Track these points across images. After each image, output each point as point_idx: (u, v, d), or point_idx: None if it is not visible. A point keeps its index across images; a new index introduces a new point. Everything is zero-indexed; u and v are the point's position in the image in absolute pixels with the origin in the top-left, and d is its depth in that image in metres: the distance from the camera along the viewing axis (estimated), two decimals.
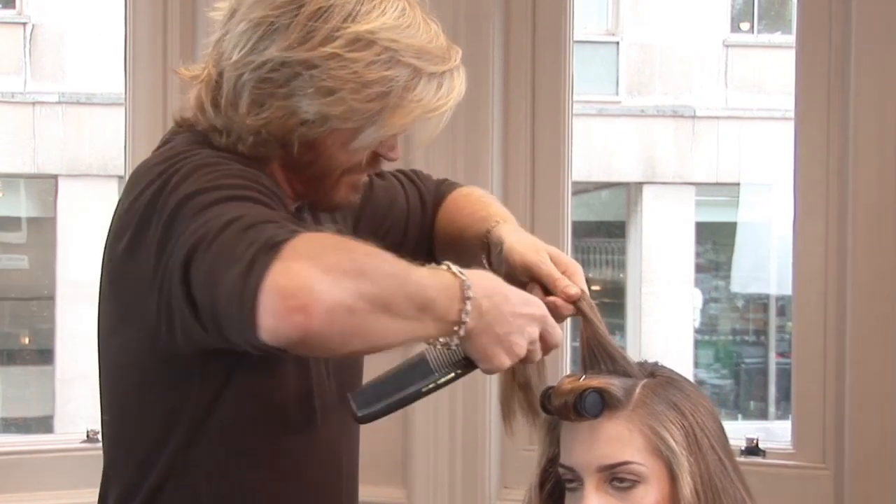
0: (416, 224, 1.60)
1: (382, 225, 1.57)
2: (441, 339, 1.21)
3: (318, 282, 1.09)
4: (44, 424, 7.77)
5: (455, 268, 1.21)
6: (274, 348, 1.12)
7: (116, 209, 1.35)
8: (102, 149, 7.89)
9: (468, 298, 1.19)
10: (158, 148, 1.39)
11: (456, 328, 1.20)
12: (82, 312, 7.71)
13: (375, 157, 1.39)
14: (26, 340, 8.36)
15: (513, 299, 1.26)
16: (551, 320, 1.31)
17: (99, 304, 1.39)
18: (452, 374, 1.30)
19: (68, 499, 2.27)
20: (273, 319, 1.08)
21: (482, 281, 1.23)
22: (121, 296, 1.32)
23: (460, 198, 1.60)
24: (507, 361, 1.27)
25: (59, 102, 8.22)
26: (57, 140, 8.16)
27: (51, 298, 7.98)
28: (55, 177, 8.19)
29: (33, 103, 8.23)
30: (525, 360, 1.30)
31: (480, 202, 1.58)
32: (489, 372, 1.29)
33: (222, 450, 1.32)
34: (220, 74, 1.33)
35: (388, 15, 1.30)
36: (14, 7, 8.46)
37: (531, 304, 1.29)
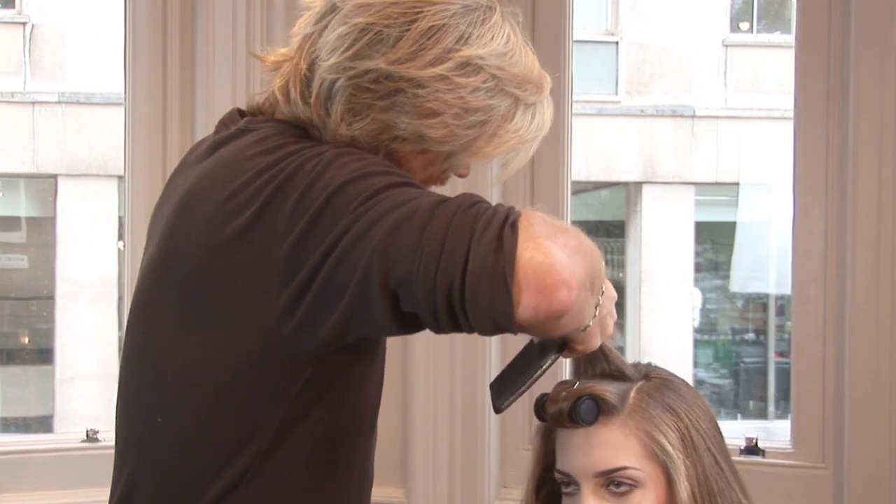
0: None
1: None
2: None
3: (566, 256, 1.11)
4: (43, 424, 7.79)
5: None
6: (517, 326, 1.11)
7: (201, 202, 1.27)
8: (102, 148, 7.90)
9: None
10: (232, 136, 1.32)
11: (597, 304, 1.21)
12: (82, 312, 7.73)
13: (447, 174, 1.37)
14: (26, 340, 8.37)
15: (608, 283, 1.26)
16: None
17: (154, 303, 1.31)
18: (555, 357, 1.33)
19: (68, 498, 2.27)
20: (537, 297, 1.09)
21: None
22: (215, 294, 1.24)
23: None
24: (598, 343, 1.29)
25: (58, 102, 8.23)
26: (56, 140, 8.17)
27: (50, 298, 7.99)
28: (55, 176, 8.20)
29: (33, 103, 8.24)
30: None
31: None
32: (581, 353, 1.30)
33: (302, 456, 1.28)
34: (311, 70, 1.28)
35: (496, 41, 1.27)
36: (14, 7, 8.46)
37: (610, 286, 1.29)
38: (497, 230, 1.10)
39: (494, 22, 1.28)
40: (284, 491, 1.28)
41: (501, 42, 1.28)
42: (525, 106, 1.31)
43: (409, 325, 1.17)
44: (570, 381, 1.37)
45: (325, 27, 1.29)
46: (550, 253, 1.10)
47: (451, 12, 1.25)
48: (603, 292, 1.22)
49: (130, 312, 1.37)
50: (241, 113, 1.40)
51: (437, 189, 1.34)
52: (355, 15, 1.26)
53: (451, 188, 1.38)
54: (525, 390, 1.35)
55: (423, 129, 1.26)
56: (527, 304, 1.09)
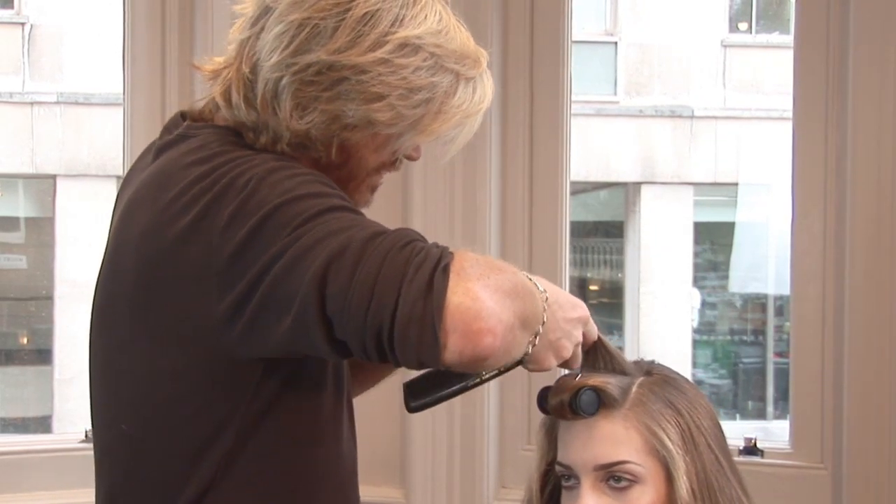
0: None
1: None
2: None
3: (494, 302, 1.14)
4: (42, 424, 7.77)
5: (534, 278, 1.25)
6: (444, 365, 1.15)
7: (139, 210, 1.30)
8: (101, 149, 7.88)
9: (544, 311, 1.25)
10: (171, 142, 1.34)
11: (532, 339, 1.24)
12: (81, 312, 7.71)
13: (397, 159, 1.39)
14: (25, 340, 8.36)
15: (565, 305, 1.30)
16: (591, 319, 1.36)
17: (106, 313, 1.35)
18: (496, 371, 1.33)
19: (66, 498, 2.27)
20: (462, 342, 1.13)
21: (544, 284, 1.26)
22: (155, 302, 1.27)
23: None
24: (554, 364, 1.31)
25: (57, 102, 8.21)
26: (55, 140, 8.16)
27: (49, 298, 7.97)
28: (53, 177, 8.18)
29: (32, 103, 8.22)
30: (569, 362, 1.34)
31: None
32: (533, 371, 1.32)
33: (269, 456, 1.30)
34: (254, 73, 1.30)
35: (430, 20, 1.30)
36: (12, 7, 8.45)
37: (578, 307, 1.32)
38: (428, 274, 1.13)
39: (425, 2, 1.31)
40: (256, 492, 1.29)
41: (435, 20, 1.30)
42: (466, 80, 1.33)
43: (345, 351, 1.19)
44: (573, 373, 1.38)
45: (262, 29, 1.30)
46: (479, 299, 1.13)
47: None
48: (544, 322, 1.24)
49: (90, 320, 1.39)
50: (183, 116, 1.40)
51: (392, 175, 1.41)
52: (290, 12, 1.28)
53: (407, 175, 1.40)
54: (450, 398, 1.37)
55: (370, 113, 1.28)
56: (452, 348, 1.13)
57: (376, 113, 1.28)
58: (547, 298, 1.24)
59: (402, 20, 1.28)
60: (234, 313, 1.21)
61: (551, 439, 1.42)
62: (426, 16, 1.30)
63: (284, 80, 1.28)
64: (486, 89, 1.37)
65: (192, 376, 1.27)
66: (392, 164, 1.39)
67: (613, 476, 1.34)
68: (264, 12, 1.31)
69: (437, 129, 1.33)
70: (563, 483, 1.39)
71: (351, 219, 1.20)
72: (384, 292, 1.13)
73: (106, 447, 1.37)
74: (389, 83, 1.27)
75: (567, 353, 1.31)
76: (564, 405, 1.35)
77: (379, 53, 1.26)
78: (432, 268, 1.13)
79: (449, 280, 1.13)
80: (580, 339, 1.33)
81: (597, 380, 1.35)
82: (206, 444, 1.27)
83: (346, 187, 1.34)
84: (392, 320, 1.13)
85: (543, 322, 1.24)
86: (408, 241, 1.17)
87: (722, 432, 1.40)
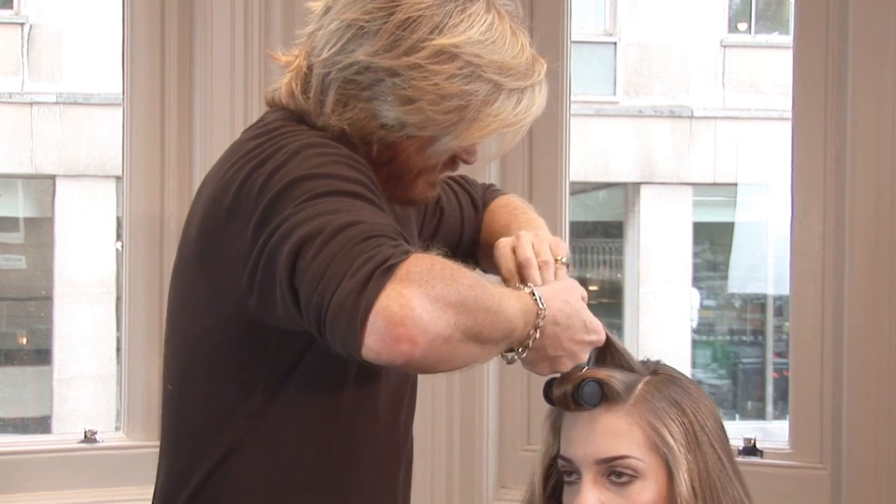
0: (470, 230, 1.66)
1: (439, 230, 1.63)
2: (506, 354, 1.29)
3: (425, 312, 1.14)
4: (42, 425, 7.77)
5: (538, 293, 1.28)
6: (366, 361, 1.18)
7: (208, 182, 1.38)
8: (100, 149, 7.88)
9: (538, 327, 1.27)
10: (250, 126, 1.42)
11: (520, 349, 1.28)
12: (80, 312, 7.72)
13: (454, 160, 1.43)
14: (24, 341, 8.35)
15: (576, 325, 1.32)
16: (605, 334, 1.38)
17: (175, 279, 1.43)
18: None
19: (66, 499, 2.27)
20: (380, 343, 1.14)
21: (557, 304, 1.29)
22: (209, 265, 1.35)
23: (498, 208, 1.66)
24: (548, 373, 1.35)
25: (56, 103, 8.21)
26: (55, 140, 8.15)
27: (48, 299, 7.97)
28: (53, 177, 8.18)
29: (31, 103, 8.22)
30: None
31: (513, 214, 1.62)
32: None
33: (294, 414, 1.36)
34: (310, 68, 1.37)
35: (474, 29, 1.33)
36: (12, 7, 8.45)
37: (592, 331, 1.35)
38: (369, 271, 1.15)
39: (474, 11, 1.34)
40: (277, 455, 1.36)
41: (480, 30, 1.33)
42: (508, 91, 1.35)
43: None
44: (580, 366, 1.39)
45: (321, 27, 1.37)
46: (407, 305, 1.14)
47: (427, 4, 1.32)
48: (537, 331, 1.27)
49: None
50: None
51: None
52: (343, 12, 1.34)
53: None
54: None
55: (402, 115, 1.32)
56: (371, 346, 1.15)
57: (407, 115, 1.32)
58: (545, 316, 1.27)
59: (442, 28, 1.32)
60: (251, 283, 1.28)
61: (555, 433, 1.44)
62: (471, 24, 1.33)
63: (330, 77, 1.35)
64: (533, 101, 1.39)
65: (227, 338, 1.34)
66: (449, 165, 1.43)
67: (615, 471, 1.35)
68: (325, 11, 1.38)
69: (472, 136, 1.36)
70: (565, 478, 1.40)
71: (350, 204, 1.24)
72: (329, 279, 1.17)
73: (163, 404, 1.46)
74: (421, 88, 1.31)
75: (565, 369, 1.35)
76: (568, 396, 1.37)
77: (413, 58, 1.31)
78: (376, 266, 1.16)
79: (387, 281, 1.15)
80: (584, 360, 1.36)
81: (601, 373, 1.37)
82: (235, 405, 1.35)
83: (400, 182, 1.40)
84: (328, 307, 1.16)
85: (534, 338, 1.27)
86: (373, 235, 1.20)
87: (726, 435, 1.41)
